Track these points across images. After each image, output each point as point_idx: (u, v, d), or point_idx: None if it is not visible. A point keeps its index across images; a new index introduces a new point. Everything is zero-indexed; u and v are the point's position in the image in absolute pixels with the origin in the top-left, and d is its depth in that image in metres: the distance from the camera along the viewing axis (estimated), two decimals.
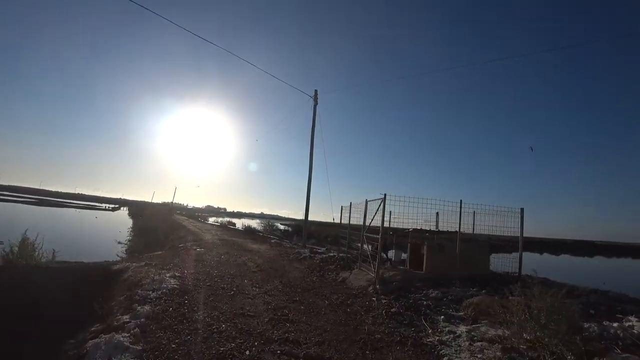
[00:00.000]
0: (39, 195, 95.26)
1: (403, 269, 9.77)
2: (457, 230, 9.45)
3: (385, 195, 8.44)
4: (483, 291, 7.28)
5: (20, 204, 57.14)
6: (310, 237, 21.87)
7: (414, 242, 10.19)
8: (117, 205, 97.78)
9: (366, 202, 9.97)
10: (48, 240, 9.42)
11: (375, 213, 9.19)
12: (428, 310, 6.10)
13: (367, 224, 9.90)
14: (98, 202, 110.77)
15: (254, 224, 49.32)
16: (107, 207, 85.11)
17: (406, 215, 9.20)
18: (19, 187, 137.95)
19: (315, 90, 18.39)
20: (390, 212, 9.64)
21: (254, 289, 7.19)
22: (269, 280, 8.28)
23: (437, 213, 10.50)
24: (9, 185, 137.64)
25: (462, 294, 7.05)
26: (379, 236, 8.56)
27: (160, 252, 12.31)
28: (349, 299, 6.94)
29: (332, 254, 13.75)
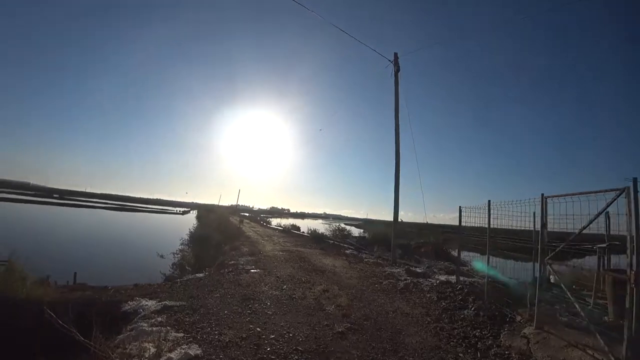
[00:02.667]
0: (123, 202, 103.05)
1: None
2: None
3: None
4: None
5: (105, 210, 61.03)
6: (383, 243, 17.40)
7: None
8: (187, 209, 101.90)
9: (543, 198, 5.28)
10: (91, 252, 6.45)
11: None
12: None
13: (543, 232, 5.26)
14: (172, 207, 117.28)
15: (319, 226, 45.96)
16: (178, 211, 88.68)
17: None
18: (108, 194, 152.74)
19: (395, 54, 13.95)
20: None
21: None
22: None
23: None
24: (100, 193, 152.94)
25: None
26: None
27: (201, 275, 8.93)
28: None
29: (441, 278, 9.29)
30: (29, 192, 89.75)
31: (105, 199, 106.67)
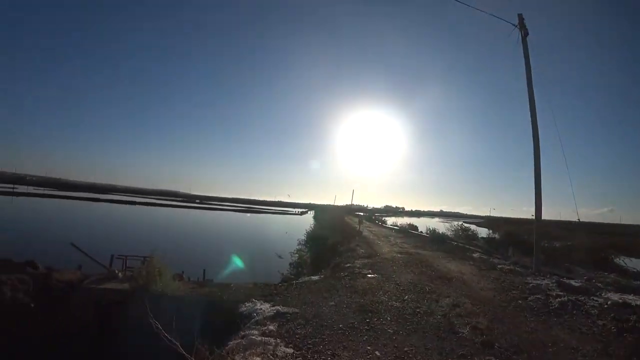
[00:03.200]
0: (249, 204, 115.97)
1: None
2: None
3: None
4: None
5: (234, 212, 69.61)
6: (518, 246, 14.69)
7: None
8: (305, 210, 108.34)
9: None
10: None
11: None
12: None
13: None
14: (291, 207, 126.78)
15: (437, 224, 42.88)
16: (297, 212, 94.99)
17: None
18: (237, 198, 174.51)
19: (520, 16, 11.47)
20: None
21: None
22: None
23: None
24: (231, 197, 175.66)
25: None
26: None
27: (316, 278, 8.85)
28: None
29: (613, 297, 7.12)
30: (178, 199, 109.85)
31: (235, 202, 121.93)
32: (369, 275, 8.83)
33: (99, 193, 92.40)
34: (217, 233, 30.96)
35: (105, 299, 7.92)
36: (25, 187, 79.94)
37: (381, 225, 31.57)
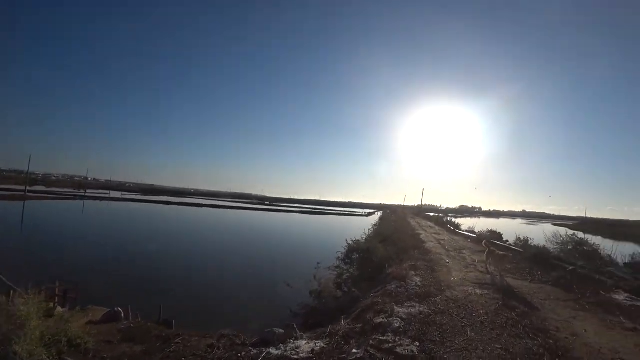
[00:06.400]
0: (318, 206, 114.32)
1: None
2: None
3: None
4: None
5: (298, 214, 68.03)
6: None
7: None
8: (373, 211, 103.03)
9: None
10: None
11: None
12: None
13: None
14: (361, 208, 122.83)
15: (522, 227, 34.88)
16: (364, 213, 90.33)
17: None
18: (307, 199, 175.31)
19: None
20: None
21: None
22: None
23: None
24: (301, 199, 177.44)
25: None
26: None
27: (308, 347, 4.60)
28: None
29: None
30: (250, 201, 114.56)
31: (304, 204, 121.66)
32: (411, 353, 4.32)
33: (173, 196, 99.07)
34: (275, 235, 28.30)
35: None
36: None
37: (454, 232, 25.62)
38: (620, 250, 12.65)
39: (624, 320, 6.19)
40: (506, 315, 6.11)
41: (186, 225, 34.74)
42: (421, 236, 19.45)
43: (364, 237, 18.43)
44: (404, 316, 6.00)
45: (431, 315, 6.08)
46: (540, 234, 17.43)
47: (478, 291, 7.73)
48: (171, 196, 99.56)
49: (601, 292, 7.86)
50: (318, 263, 9.75)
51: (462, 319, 5.91)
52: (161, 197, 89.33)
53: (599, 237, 26.19)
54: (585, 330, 5.55)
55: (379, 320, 5.85)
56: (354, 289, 9.90)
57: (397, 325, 5.59)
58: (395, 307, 6.43)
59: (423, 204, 78.58)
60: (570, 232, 16.74)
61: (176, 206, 61.25)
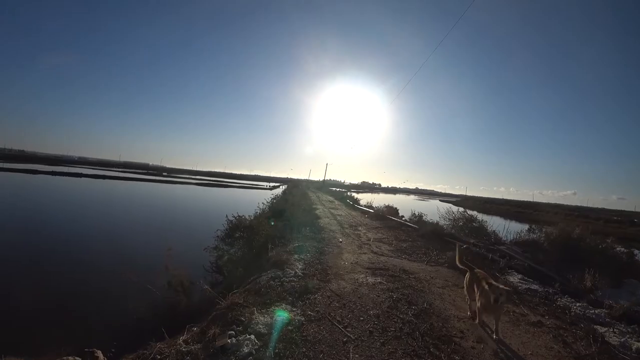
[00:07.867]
0: (221, 178, 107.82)
1: None
2: None
3: None
4: None
5: (196, 186, 62.60)
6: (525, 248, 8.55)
7: None
8: (278, 184, 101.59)
9: None
10: None
11: None
12: None
13: None
14: (267, 182, 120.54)
15: (417, 205, 37.12)
16: (267, 186, 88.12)
17: None
18: (211, 172, 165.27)
19: None
20: None
21: None
22: None
23: None
24: (205, 171, 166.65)
25: None
26: None
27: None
28: None
29: None
30: (146, 172, 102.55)
31: (207, 176, 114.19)
32: None
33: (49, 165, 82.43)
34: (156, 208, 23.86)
35: None
36: None
37: (353, 206, 25.19)
38: (502, 226, 12.90)
39: (527, 312, 5.27)
40: (401, 317, 4.61)
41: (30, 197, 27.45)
42: (317, 211, 18.12)
43: (258, 211, 16.28)
44: (263, 330, 4.02)
45: (304, 324, 4.23)
46: (433, 210, 17.57)
47: (370, 279, 6.23)
48: (46, 164, 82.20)
49: (496, 274, 7.12)
50: (169, 249, 7.18)
51: (346, 327, 4.19)
52: (27, 164, 72.30)
53: (475, 212, 28.83)
54: (491, 332, 4.34)
55: (223, 341, 3.75)
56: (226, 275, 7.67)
57: (246, 350, 3.57)
58: (255, 314, 4.41)
59: (328, 178, 79.94)
60: (457, 208, 17.18)
61: (45, 175, 49.70)
